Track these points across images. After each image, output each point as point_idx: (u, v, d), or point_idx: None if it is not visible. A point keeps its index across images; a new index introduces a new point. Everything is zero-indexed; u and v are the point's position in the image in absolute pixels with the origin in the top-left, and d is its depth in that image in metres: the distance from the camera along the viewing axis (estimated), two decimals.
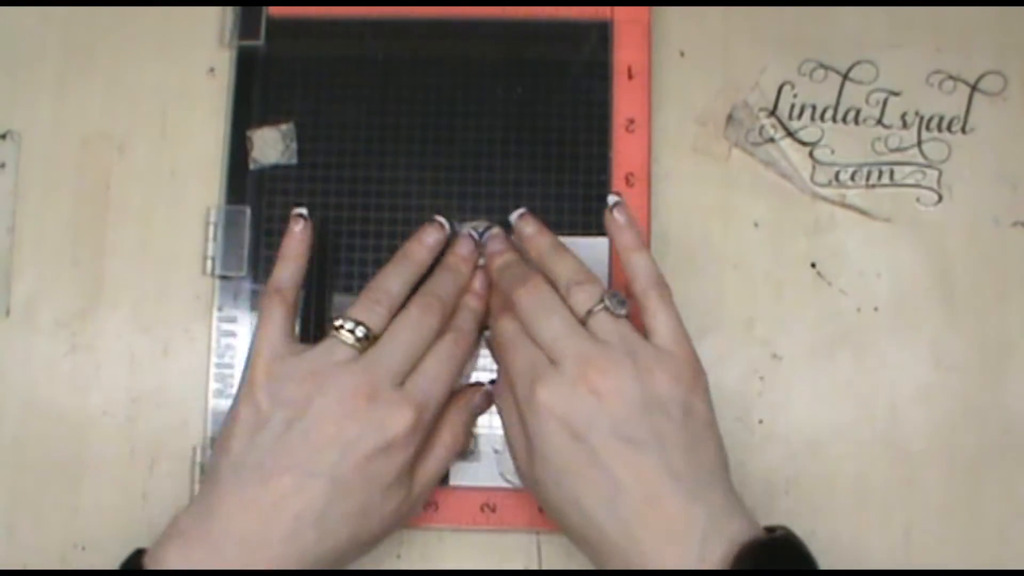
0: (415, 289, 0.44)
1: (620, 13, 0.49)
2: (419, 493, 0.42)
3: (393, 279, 0.43)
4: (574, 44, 0.49)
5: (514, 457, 0.43)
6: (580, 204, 0.48)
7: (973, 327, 0.47)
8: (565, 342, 0.40)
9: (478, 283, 0.46)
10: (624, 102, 0.48)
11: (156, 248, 0.48)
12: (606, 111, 0.48)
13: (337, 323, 0.41)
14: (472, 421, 0.45)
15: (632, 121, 0.48)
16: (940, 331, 0.47)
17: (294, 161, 0.48)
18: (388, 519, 0.41)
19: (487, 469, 0.46)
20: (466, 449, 0.45)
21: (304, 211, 0.44)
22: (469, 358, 0.45)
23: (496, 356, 0.45)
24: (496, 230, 0.46)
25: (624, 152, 0.48)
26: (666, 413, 0.39)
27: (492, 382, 0.46)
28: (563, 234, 0.47)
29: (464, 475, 0.46)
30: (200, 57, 0.50)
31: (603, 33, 0.49)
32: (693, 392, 0.40)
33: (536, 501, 0.44)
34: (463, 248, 0.46)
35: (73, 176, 0.49)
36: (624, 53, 0.49)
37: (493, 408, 0.46)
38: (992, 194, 0.48)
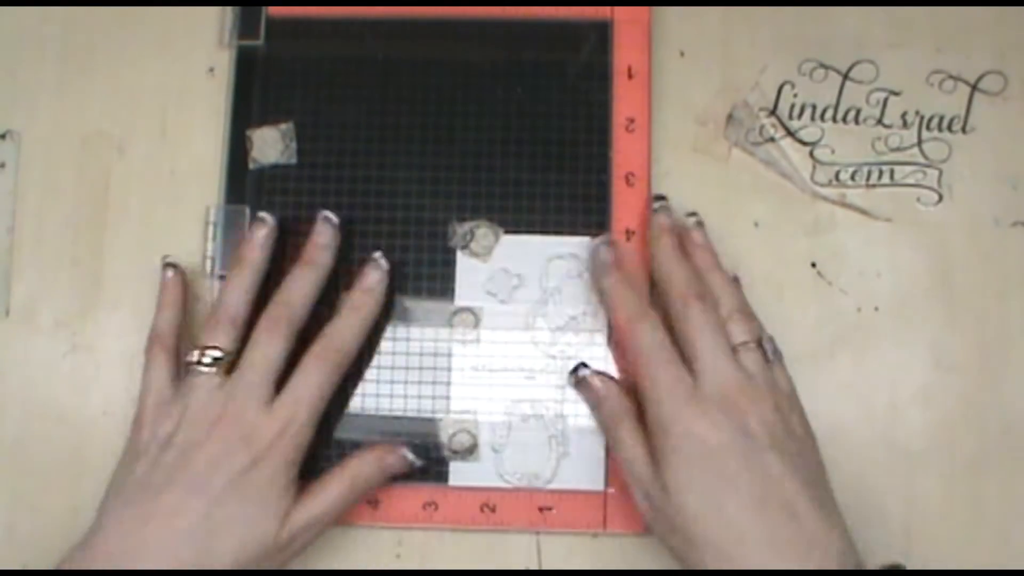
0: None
1: (620, 13, 0.49)
2: (302, 525, 0.42)
3: (230, 291, 0.44)
4: (574, 44, 0.49)
5: (632, 467, 0.42)
6: (580, 204, 0.48)
7: (973, 327, 0.47)
8: (720, 362, 0.42)
9: (370, 278, 0.45)
10: (624, 102, 0.48)
11: (156, 248, 0.48)
12: (606, 111, 0.48)
13: (189, 358, 0.43)
14: (379, 477, 0.44)
15: (632, 121, 0.48)
16: (940, 331, 0.47)
17: (294, 161, 0.48)
18: (270, 539, 0.41)
19: (487, 469, 0.46)
20: (361, 498, 0.44)
21: (174, 260, 0.46)
22: (345, 366, 0.44)
23: (628, 361, 0.46)
24: (662, 201, 0.46)
25: (624, 152, 0.48)
26: (802, 445, 0.42)
27: (414, 446, 0.45)
28: (563, 234, 0.47)
29: (464, 475, 0.46)
30: (200, 57, 0.50)
31: (603, 33, 0.49)
32: (814, 447, 0.43)
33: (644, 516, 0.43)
34: (320, 236, 0.46)
35: (73, 176, 0.49)
36: (624, 53, 0.49)
37: (492, 408, 0.46)
38: (992, 194, 0.48)
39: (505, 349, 0.47)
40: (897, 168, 0.48)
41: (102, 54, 0.50)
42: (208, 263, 0.48)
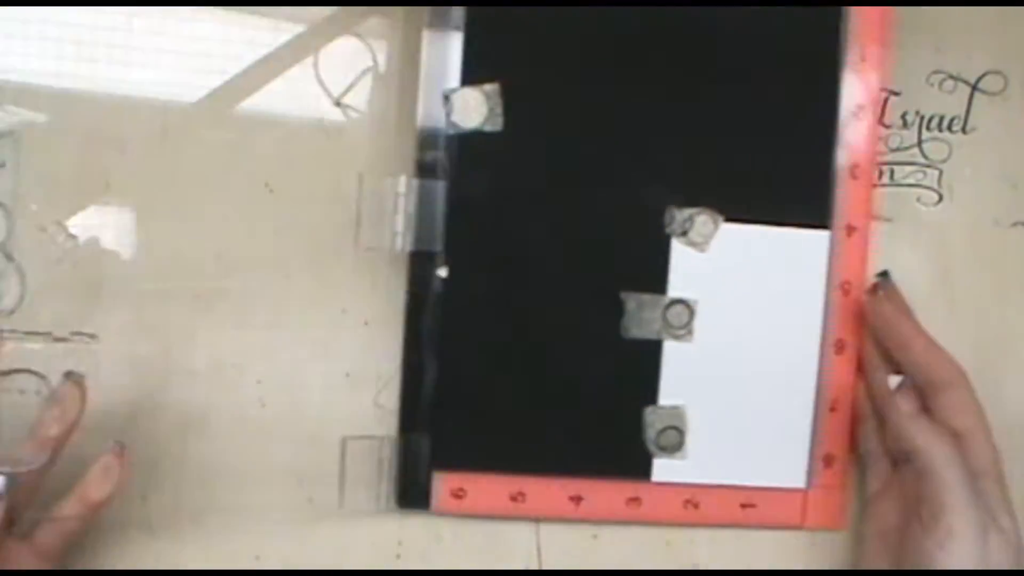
0: None
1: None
2: None
3: None
4: (805, 29, 0.46)
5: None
6: (801, 195, 0.46)
7: (973, 327, 0.47)
8: None
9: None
10: (854, 90, 0.46)
11: (156, 247, 0.48)
12: (834, 99, 0.46)
13: None
14: None
15: (861, 108, 0.46)
16: (940, 331, 0.47)
17: (499, 128, 0.43)
18: None
19: (691, 465, 0.45)
20: None
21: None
22: None
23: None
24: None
25: (851, 142, 0.46)
26: None
27: None
28: (783, 225, 0.46)
29: (668, 471, 0.45)
30: (201, 54, 0.50)
31: (835, 18, 0.46)
32: None
33: None
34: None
35: (73, 175, 0.49)
36: (858, 38, 0.46)
37: (700, 405, 0.46)
38: (992, 194, 0.48)
39: (717, 345, 0.45)
40: (897, 168, 0.48)
41: (102, 53, 0.50)
42: (398, 240, 0.44)
